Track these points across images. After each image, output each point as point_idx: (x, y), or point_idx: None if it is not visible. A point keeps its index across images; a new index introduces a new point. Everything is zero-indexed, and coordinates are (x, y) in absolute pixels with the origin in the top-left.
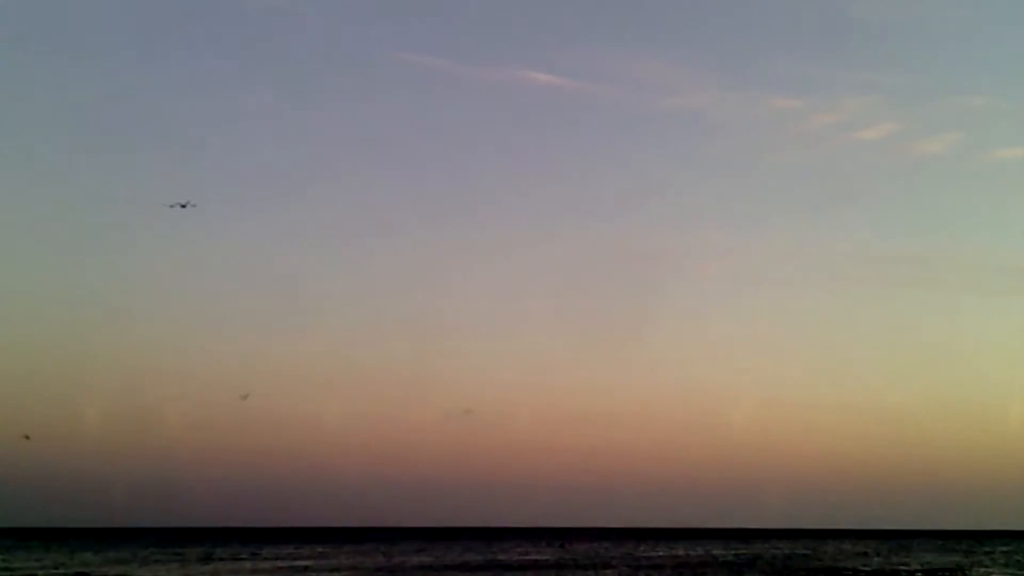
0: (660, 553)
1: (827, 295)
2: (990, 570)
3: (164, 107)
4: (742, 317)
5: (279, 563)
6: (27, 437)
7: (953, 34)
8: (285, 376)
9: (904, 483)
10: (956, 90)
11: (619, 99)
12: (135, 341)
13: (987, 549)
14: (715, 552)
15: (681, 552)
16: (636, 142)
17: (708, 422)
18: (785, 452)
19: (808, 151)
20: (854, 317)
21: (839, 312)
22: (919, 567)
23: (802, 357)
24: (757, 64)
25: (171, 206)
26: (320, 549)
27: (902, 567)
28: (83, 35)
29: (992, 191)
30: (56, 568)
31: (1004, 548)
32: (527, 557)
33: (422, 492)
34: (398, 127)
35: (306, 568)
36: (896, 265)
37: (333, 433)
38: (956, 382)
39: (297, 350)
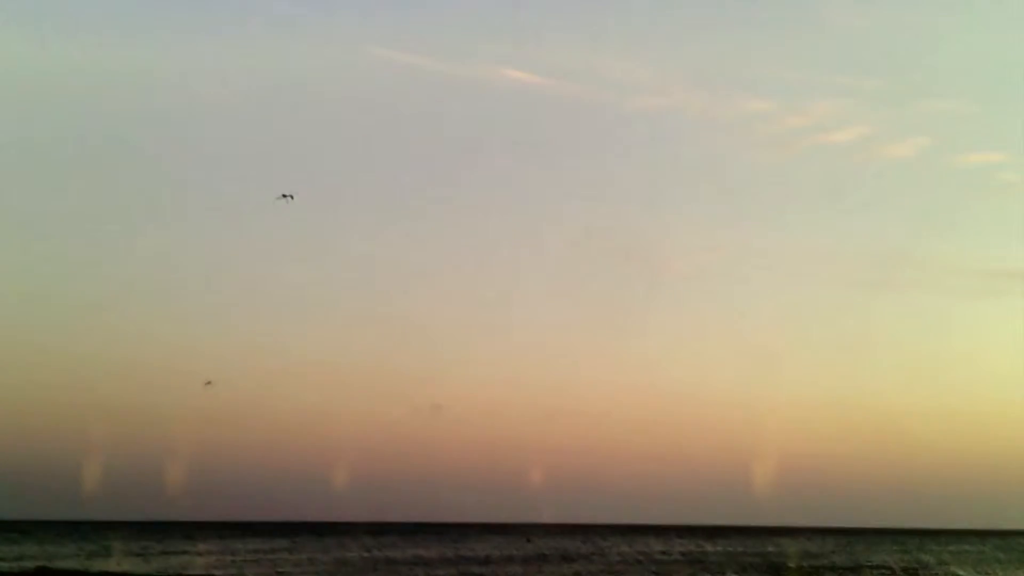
0: (625, 548)
1: (795, 295)
2: (952, 568)
3: (135, 98)
4: (712, 316)
5: (246, 556)
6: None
7: (922, 39)
8: (251, 367)
9: (861, 481)
10: (925, 94)
11: (592, 98)
12: (90, 331)
13: (952, 548)
14: (680, 549)
15: (646, 548)
16: (608, 141)
17: (677, 420)
18: (744, 448)
19: (778, 153)
20: (823, 317)
21: (807, 311)
22: (871, 564)
23: (768, 355)
24: (729, 66)
25: (277, 198)
26: (285, 543)
27: (860, 565)
28: None
29: (959, 195)
30: (18, 560)
31: (967, 548)
32: (494, 552)
33: (390, 487)
34: (367, 122)
35: (273, 561)
36: (865, 267)
37: (299, 426)
38: (924, 382)
39: (264, 342)
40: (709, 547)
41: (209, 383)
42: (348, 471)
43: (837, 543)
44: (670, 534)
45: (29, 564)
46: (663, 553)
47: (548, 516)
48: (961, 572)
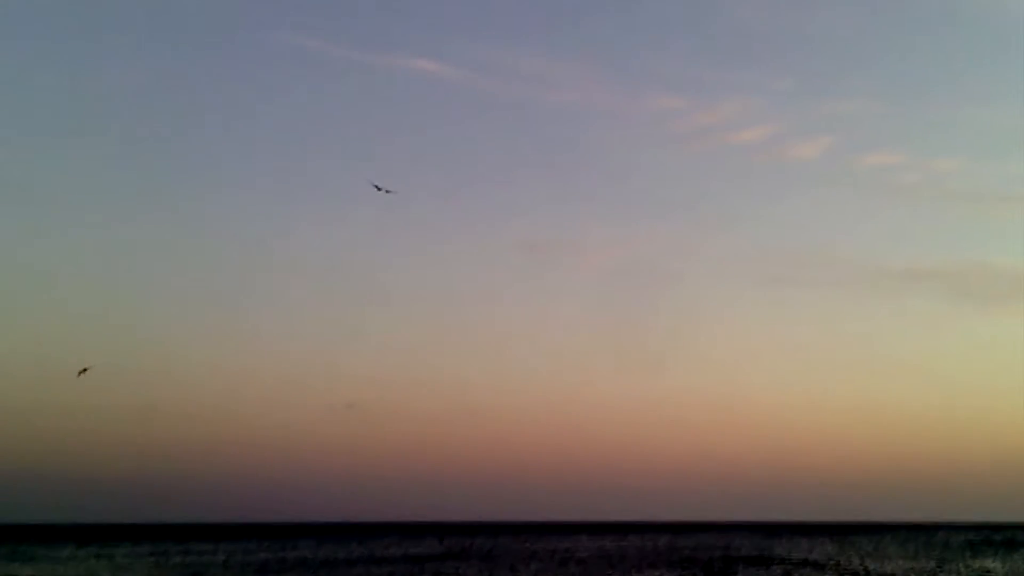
0: (542, 546)
1: (698, 291)
2: (865, 563)
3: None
4: (619, 310)
5: (122, 562)
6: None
7: (828, 38)
8: (166, 367)
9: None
10: (830, 94)
11: (502, 90)
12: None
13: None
14: (596, 545)
15: (562, 545)
16: (516, 133)
17: (588, 417)
18: (646, 445)
19: (687, 150)
20: (732, 313)
21: (712, 308)
22: (789, 556)
23: (669, 349)
24: (641, 63)
25: (378, 188)
26: (201, 547)
27: (769, 557)
28: None
29: (861, 195)
30: None
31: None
32: (408, 552)
33: (302, 487)
34: (273, 107)
35: (183, 564)
36: (770, 263)
37: (209, 426)
38: (826, 377)
39: (175, 341)
40: (625, 543)
41: (84, 370)
42: (260, 471)
43: (744, 538)
44: (580, 534)
45: None
46: (566, 551)
47: (464, 515)
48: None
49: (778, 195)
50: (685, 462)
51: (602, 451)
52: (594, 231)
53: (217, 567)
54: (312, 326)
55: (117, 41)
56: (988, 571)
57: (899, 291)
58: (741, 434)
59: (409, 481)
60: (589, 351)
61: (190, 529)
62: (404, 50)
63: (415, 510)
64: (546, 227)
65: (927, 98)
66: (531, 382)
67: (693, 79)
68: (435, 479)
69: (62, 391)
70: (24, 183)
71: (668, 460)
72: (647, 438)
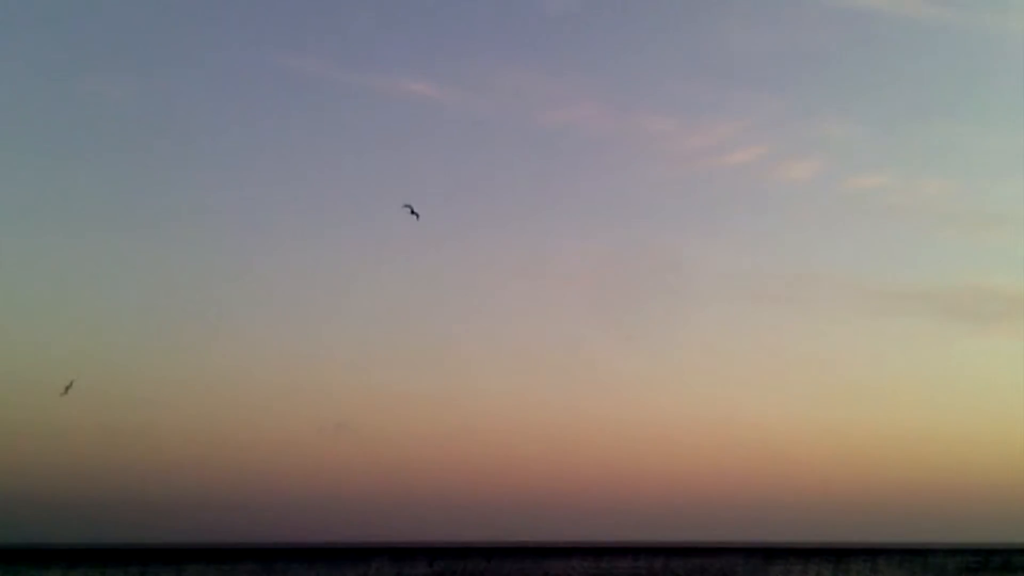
0: (535, 568)
1: (688, 311)
2: None
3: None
4: (609, 329)
5: None
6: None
7: (817, 61)
8: (148, 386)
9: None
10: (818, 116)
11: (495, 111)
12: None
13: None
14: (583, 565)
15: (555, 567)
16: (510, 153)
17: (581, 437)
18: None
19: (680, 170)
20: (719, 332)
21: (702, 328)
22: None
23: (659, 369)
24: (633, 84)
25: (408, 209)
26: (191, 568)
27: None
28: None
29: (848, 216)
30: None
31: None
32: (400, 574)
33: (292, 508)
34: (261, 130)
35: None
36: (760, 284)
37: (199, 447)
38: (819, 397)
39: (162, 360)
40: (618, 565)
41: (69, 387)
42: (246, 492)
43: (740, 560)
44: (573, 556)
45: None
46: (559, 573)
47: (451, 536)
48: None
49: (768, 216)
50: (678, 483)
51: (595, 472)
52: (585, 250)
53: None
54: (302, 346)
55: (107, 59)
56: None
57: (888, 311)
58: (732, 455)
59: (399, 502)
60: (580, 370)
61: (180, 551)
62: (396, 72)
63: (405, 531)
64: (537, 246)
65: (916, 120)
66: (522, 401)
67: (685, 101)
68: (426, 500)
69: (48, 410)
70: (6, 199)
71: (660, 481)
72: (639, 458)
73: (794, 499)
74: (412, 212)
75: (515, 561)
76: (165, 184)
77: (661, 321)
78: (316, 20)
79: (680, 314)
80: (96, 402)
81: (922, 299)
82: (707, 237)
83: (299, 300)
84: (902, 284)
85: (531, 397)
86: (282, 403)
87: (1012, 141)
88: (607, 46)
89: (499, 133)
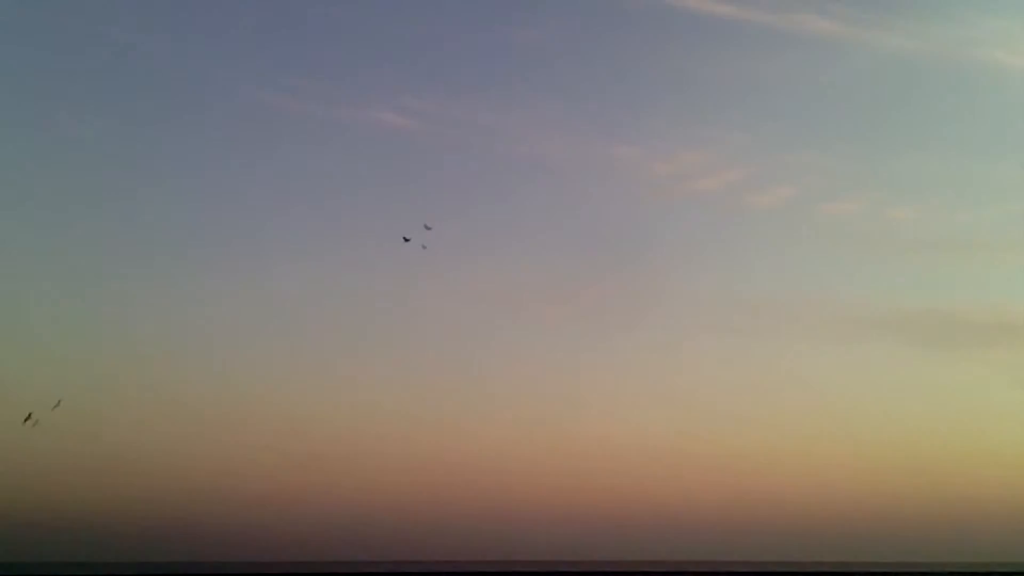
0: None
1: (659, 340)
2: None
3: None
4: (578, 362)
5: None
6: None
7: (788, 89)
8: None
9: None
10: (790, 143)
11: (460, 142)
12: None
13: None
14: None
15: None
16: (478, 185)
17: (579, 459)
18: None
19: (646, 199)
20: (690, 363)
21: (669, 357)
22: None
23: (633, 396)
24: (597, 113)
25: (427, 228)
26: None
27: None
28: None
29: (820, 244)
30: None
31: None
32: None
33: (284, 532)
34: (239, 162)
35: None
36: (729, 312)
37: (190, 473)
38: (789, 424)
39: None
40: None
41: (30, 418)
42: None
43: None
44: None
45: None
46: None
47: (460, 555)
48: None
49: (737, 244)
50: (656, 505)
51: (591, 493)
52: (553, 280)
53: None
54: (292, 371)
55: (83, 96)
56: None
57: (858, 338)
58: (704, 480)
59: (397, 524)
60: (568, 395)
61: None
62: (369, 104)
63: (405, 553)
64: (508, 276)
65: (884, 148)
66: (521, 423)
67: (650, 129)
68: (427, 520)
69: (30, 434)
70: None
71: (643, 504)
72: (631, 480)
73: (772, 523)
74: (408, 239)
75: None
76: (146, 218)
77: (630, 350)
78: (287, 54)
79: (648, 343)
80: (74, 427)
81: (890, 325)
82: (673, 265)
83: (282, 328)
84: (870, 310)
85: (527, 418)
86: (268, 427)
87: (979, 170)
88: (571, 76)
89: (464, 164)
